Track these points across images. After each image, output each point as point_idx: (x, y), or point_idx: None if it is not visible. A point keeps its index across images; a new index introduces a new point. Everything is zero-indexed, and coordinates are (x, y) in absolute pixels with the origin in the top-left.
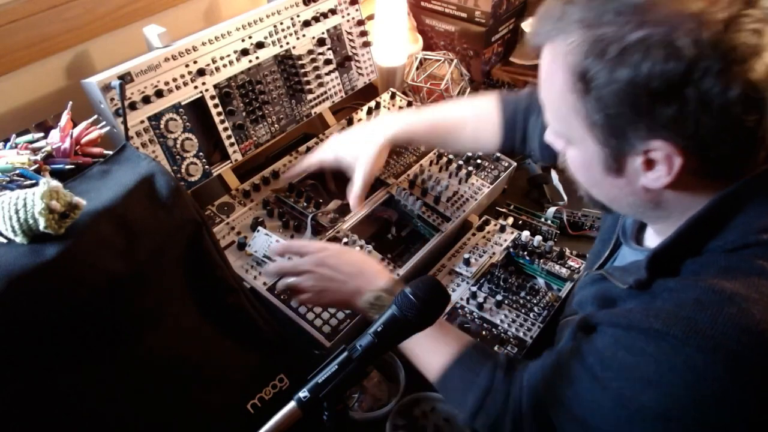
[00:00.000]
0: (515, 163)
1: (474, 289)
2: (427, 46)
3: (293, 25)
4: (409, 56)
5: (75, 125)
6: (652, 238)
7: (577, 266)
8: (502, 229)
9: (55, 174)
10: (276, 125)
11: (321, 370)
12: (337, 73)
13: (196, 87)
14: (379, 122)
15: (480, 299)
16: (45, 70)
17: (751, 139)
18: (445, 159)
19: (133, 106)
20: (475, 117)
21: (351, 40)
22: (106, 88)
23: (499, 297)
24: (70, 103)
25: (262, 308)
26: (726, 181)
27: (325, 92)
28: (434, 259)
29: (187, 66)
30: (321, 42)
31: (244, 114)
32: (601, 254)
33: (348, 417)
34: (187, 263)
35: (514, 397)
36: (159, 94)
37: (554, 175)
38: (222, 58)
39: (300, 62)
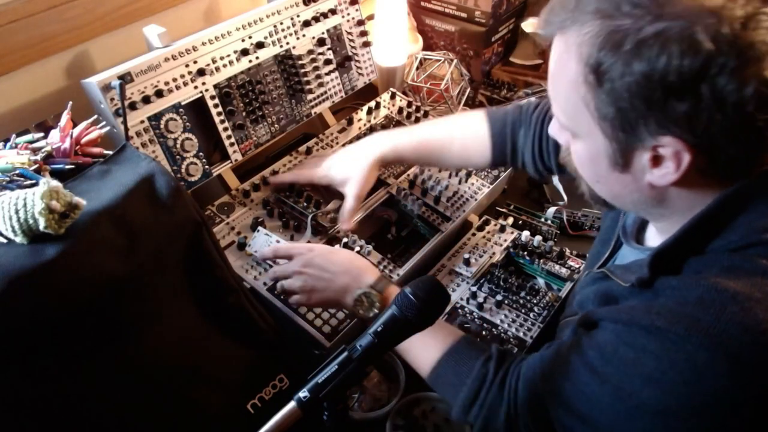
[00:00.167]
0: None
1: (474, 289)
2: (427, 46)
3: (293, 25)
4: (409, 56)
5: (75, 125)
6: (653, 238)
7: (577, 266)
8: (502, 229)
9: (55, 174)
10: (276, 125)
11: (321, 370)
12: (337, 73)
13: (196, 87)
14: (368, 142)
15: (480, 299)
16: (45, 70)
17: (760, 139)
18: None
19: (133, 106)
20: (463, 134)
21: (351, 40)
22: (106, 88)
23: (499, 297)
24: (70, 103)
25: (262, 308)
26: (730, 181)
27: (325, 92)
28: (434, 259)
29: (187, 66)
30: (321, 42)
31: (244, 114)
32: (601, 255)
33: (348, 417)
34: (187, 263)
35: (509, 389)
36: (159, 94)
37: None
38: (222, 58)
39: (300, 62)
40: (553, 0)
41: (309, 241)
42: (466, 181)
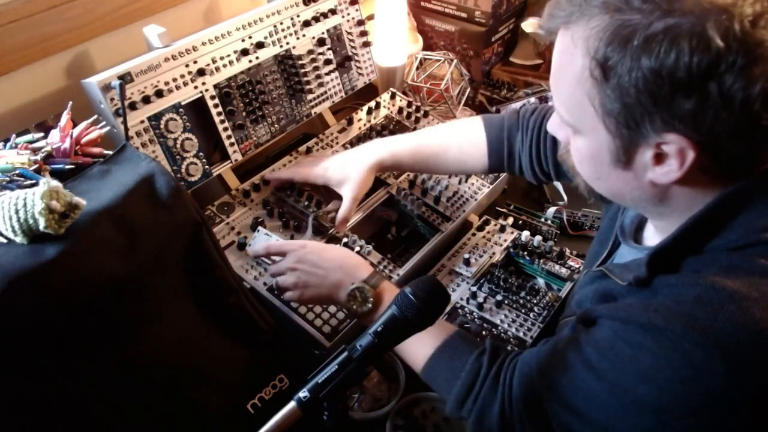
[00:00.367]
0: None
1: (474, 289)
2: (427, 46)
3: (293, 25)
4: (409, 56)
5: (75, 125)
6: (652, 237)
7: (577, 266)
8: (502, 229)
9: (55, 174)
10: (276, 125)
11: (321, 370)
12: (337, 73)
13: (196, 87)
14: (367, 147)
15: (480, 299)
16: (45, 70)
17: (764, 138)
18: None
19: (133, 106)
20: (460, 140)
21: (351, 40)
22: (106, 88)
23: (499, 297)
24: (70, 103)
25: (262, 308)
26: (731, 180)
27: (325, 92)
28: (434, 259)
29: (187, 66)
30: (321, 42)
31: (244, 114)
32: (599, 255)
33: (348, 417)
34: (187, 263)
35: (503, 384)
36: (159, 94)
37: None
38: (222, 58)
39: (300, 62)
40: None
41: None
42: (466, 181)
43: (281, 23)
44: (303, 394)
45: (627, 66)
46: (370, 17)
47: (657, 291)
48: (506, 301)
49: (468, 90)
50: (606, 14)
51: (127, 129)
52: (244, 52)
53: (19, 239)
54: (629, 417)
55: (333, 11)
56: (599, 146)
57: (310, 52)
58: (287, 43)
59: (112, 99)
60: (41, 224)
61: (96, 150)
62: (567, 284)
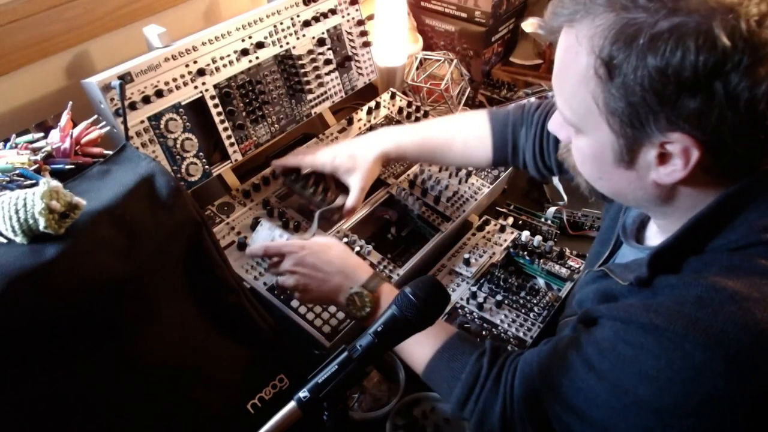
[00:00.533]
0: None
1: (474, 289)
2: (427, 46)
3: (293, 25)
4: (409, 56)
5: (75, 125)
6: (653, 237)
7: (577, 266)
8: (502, 229)
9: (55, 174)
10: (276, 125)
11: (321, 370)
12: (337, 73)
13: (196, 87)
14: (372, 136)
15: (480, 299)
16: (45, 70)
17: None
18: None
19: (133, 106)
20: (465, 133)
21: (351, 40)
22: (106, 88)
23: (499, 297)
24: (70, 103)
25: (262, 308)
26: (733, 180)
27: (325, 92)
28: (434, 259)
29: (187, 66)
30: (321, 42)
31: (244, 114)
32: (600, 255)
33: (348, 417)
34: (187, 263)
35: (505, 384)
36: (159, 94)
37: None
38: (222, 58)
39: (300, 62)
40: None
41: (314, 235)
42: (466, 181)
43: (281, 23)
44: (303, 394)
45: (632, 65)
46: (370, 17)
47: (658, 291)
48: (506, 301)
49: (468, 90)
50: (611, 12)
51: (127, 129)
52: (244, 52)
53: (19, 239)
54: (630, 417)
55: (333, 11)
56: (602, 145)
57: (310, 52)
58: (287, 43)
59: (112, 99)
60: (41, 224)
61: (96, 150)
62: (567, 284)
